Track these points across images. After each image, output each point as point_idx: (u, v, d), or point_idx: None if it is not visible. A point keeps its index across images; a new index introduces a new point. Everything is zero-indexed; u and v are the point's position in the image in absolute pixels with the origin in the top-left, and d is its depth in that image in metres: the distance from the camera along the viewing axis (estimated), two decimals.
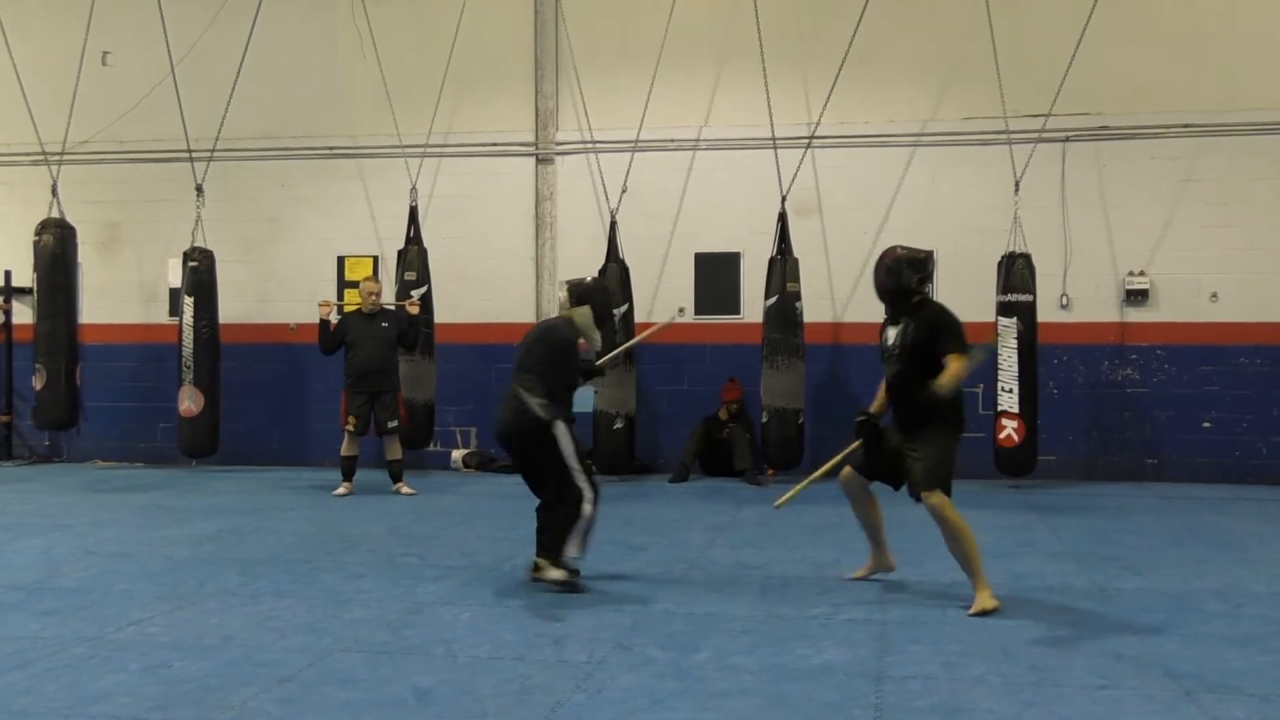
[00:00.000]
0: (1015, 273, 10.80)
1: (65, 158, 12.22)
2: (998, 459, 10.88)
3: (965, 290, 11.51)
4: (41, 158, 12.22)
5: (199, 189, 12.05)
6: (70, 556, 7.41)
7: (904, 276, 6.29)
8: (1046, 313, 11.11)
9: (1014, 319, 10.74)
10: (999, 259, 10.95)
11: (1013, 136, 11.25)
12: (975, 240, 11.45)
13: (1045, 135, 11.28)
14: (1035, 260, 10.88)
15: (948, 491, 6.10)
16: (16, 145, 12.56)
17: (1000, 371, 10.79)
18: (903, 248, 6.39)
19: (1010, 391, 10.74)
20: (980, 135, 11.58)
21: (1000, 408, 10.80)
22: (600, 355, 7.65)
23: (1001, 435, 10.78)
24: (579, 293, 7.03)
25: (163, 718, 4.37)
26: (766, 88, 11.41)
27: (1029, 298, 10.79)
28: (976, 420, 11.41)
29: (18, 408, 12.92)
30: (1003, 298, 10.85)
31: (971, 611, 5.94)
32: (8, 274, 12.89)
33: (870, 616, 5.92)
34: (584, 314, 6.97)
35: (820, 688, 4.74)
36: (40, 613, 5.95)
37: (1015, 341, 10.72)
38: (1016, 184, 11.14)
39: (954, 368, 5.97)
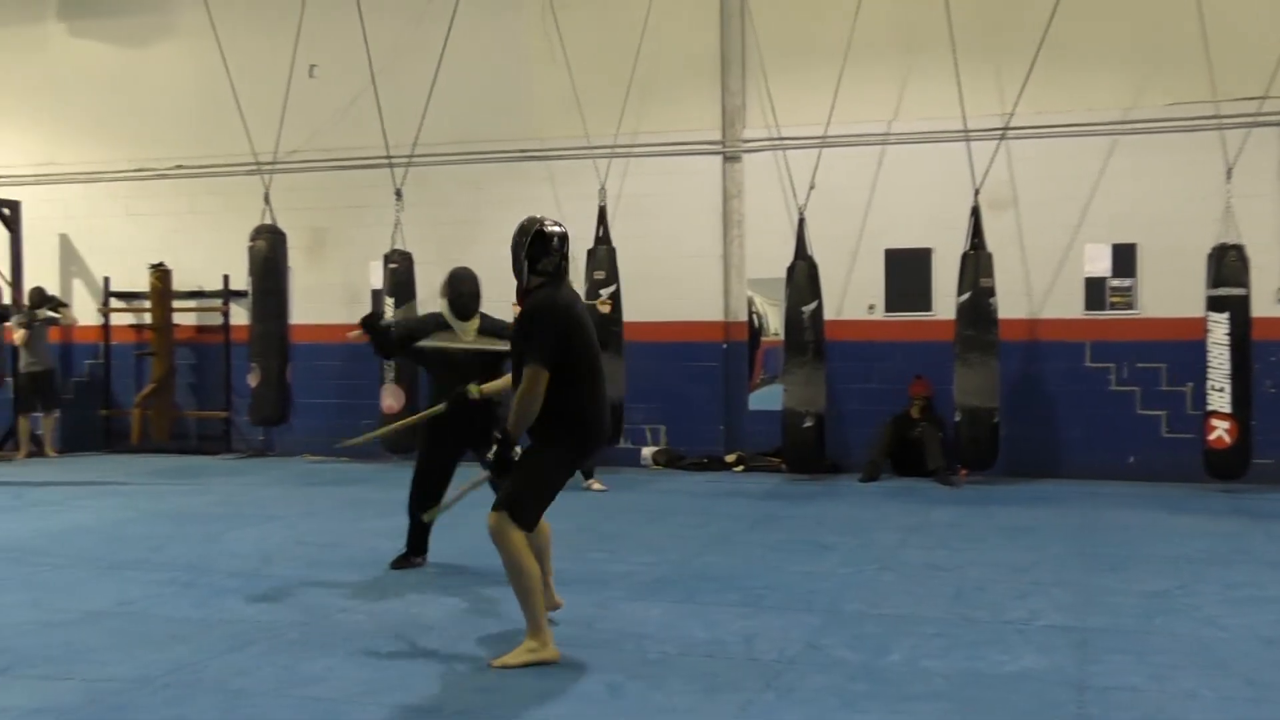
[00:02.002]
0: (1227, 265, 10.26)
1: (276, 167, 12.87)
2: (1207, 461, 10.35)
3: (1172, 285, 11.03)
4: (255, 168, 12.89)
5: (398, 193, 12.51)
6: (283, 546, 7.79)
7: (514, 254, 5.19)
8: (1262, 307, 10.50)
9: (1226, 314, 10.20)
10: (1209, 251, 10.42)
11: (1224, 121, 10.68)
12: (1182, 232, 10.92)
13: (1261, 119, 10.65)
14: (1249, 252, 10.29)
15: (524, 518, 5.04)
16: (233, 157, 13.27)
17: (1210, 370, 10.27)
18: (529, 219, 5.22)
19: (1221, 391, 10.20)
20: (1188, 121, 11.01)
21: (1210, 407, 10.27)
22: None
23: (1211, 436, 10.25)
24: (441, 285, 7.21)
25: (371, 702, 4.56)
26: (958, 78, 11.13)
27: (1242, 291, 10.22)
28: (1184, 420, 10.94)
29: (235, 404, 13.66)
30: (1213, 292, 10.31)
31: (497, 662, 5.03)
32: (226, 278, 13.64)
33: (1070, 623, 5.72)
34: (444, 306, 7.11)
35: (1017, 695, 4.61)
36: (255, 598, 6.29)
37: (1227, 338, 10.19)
38: (1228, 171, 10.57)
39: (506, 381, 5.01)
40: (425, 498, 6.92)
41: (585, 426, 5.18)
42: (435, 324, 7.08)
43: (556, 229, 5.19)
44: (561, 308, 5.11)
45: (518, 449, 5.10)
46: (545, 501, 5.22)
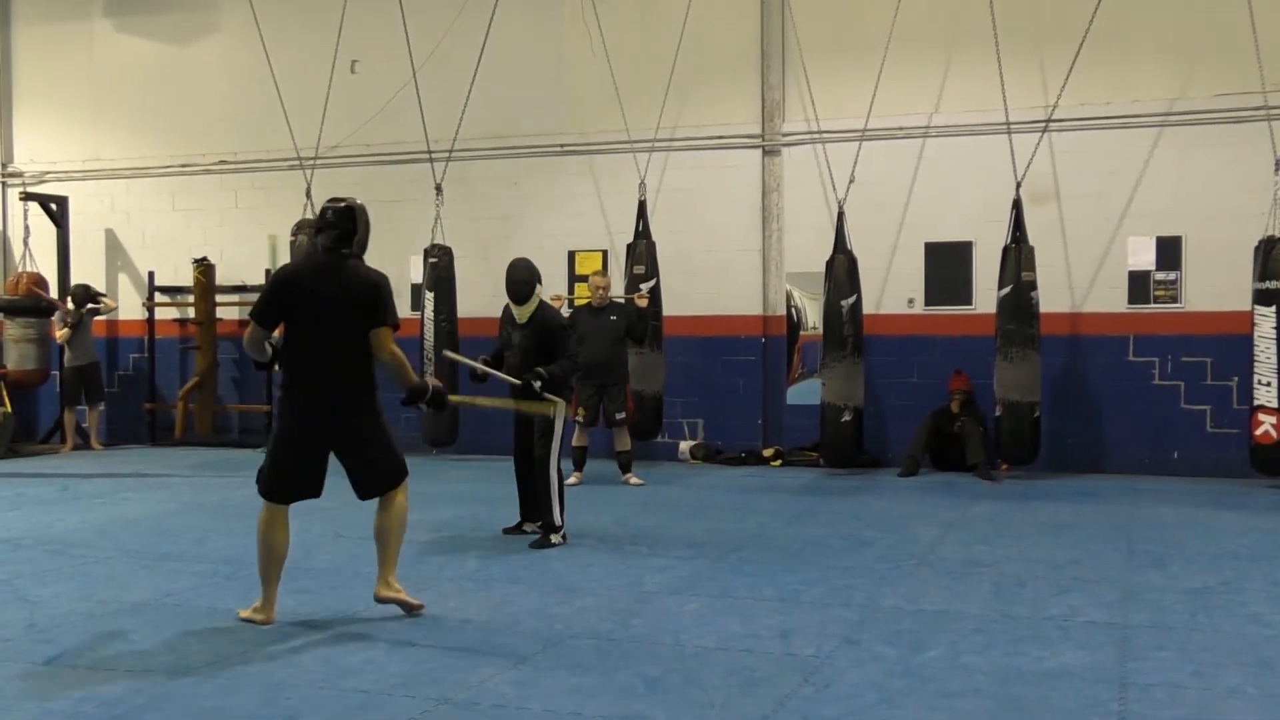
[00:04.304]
0: (1275, 258, 10.10)
1: (318, 162, 12.95)
2: (1254, 457, 10.21)
3: (1218, 278, 10.90)
4: (297, 163, 12.99)
5: (438, 188, 12.57)
6: (322, 539, 7.83)
7: None
8: None
9: (1273, 307, 10.06)
10: (1256, 244, 10.27)
11: (1272, 112, 10.51)
12: (1229, 225, 10.77)
13: None
14: None
15: (265, 490, 5.62)
16: (275, 152, 13.38)
17: (1257, 364, 10.13)
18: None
19: (1268, 385, 10.06)
20: (1235, 112, 10.85)
21: (1257, 402, 10.12)
22: None
23: (1258, 431, 10.11)
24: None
25: (407, 694, 4.59)
26: (1000, 70, 11.02)
27: None
28: (1230, 415, 10.79)
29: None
30: (1260, 285, 10.17)
31: (242, 614, 5.70)
32: (268, 272, 13.69)
33: (1112, 619, 5.67)
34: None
35: (1057, 692, 4.57)
36: (296, 591, 6.32)
37: (1275, 331, 10.04)
38: (1276, 163, 10.40)
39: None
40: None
41: (287, 391, 5.59)
42: (505, 312, 8.03)
43: (334, 204, 5.57)
44: (283, 272, 5.71)
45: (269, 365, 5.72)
46: (275, 474, 5.55)
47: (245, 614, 5.68)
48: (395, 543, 5.80)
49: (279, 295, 5.54)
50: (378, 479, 5.78)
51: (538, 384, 7.34)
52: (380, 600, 5.76)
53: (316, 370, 5.52)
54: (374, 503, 5.90)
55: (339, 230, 5.52)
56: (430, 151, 12.57)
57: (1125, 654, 5.09)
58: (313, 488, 5.70)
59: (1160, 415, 11.10)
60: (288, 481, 5.61)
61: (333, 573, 6.81)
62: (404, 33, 12.37)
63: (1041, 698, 4.50)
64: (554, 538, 7.58)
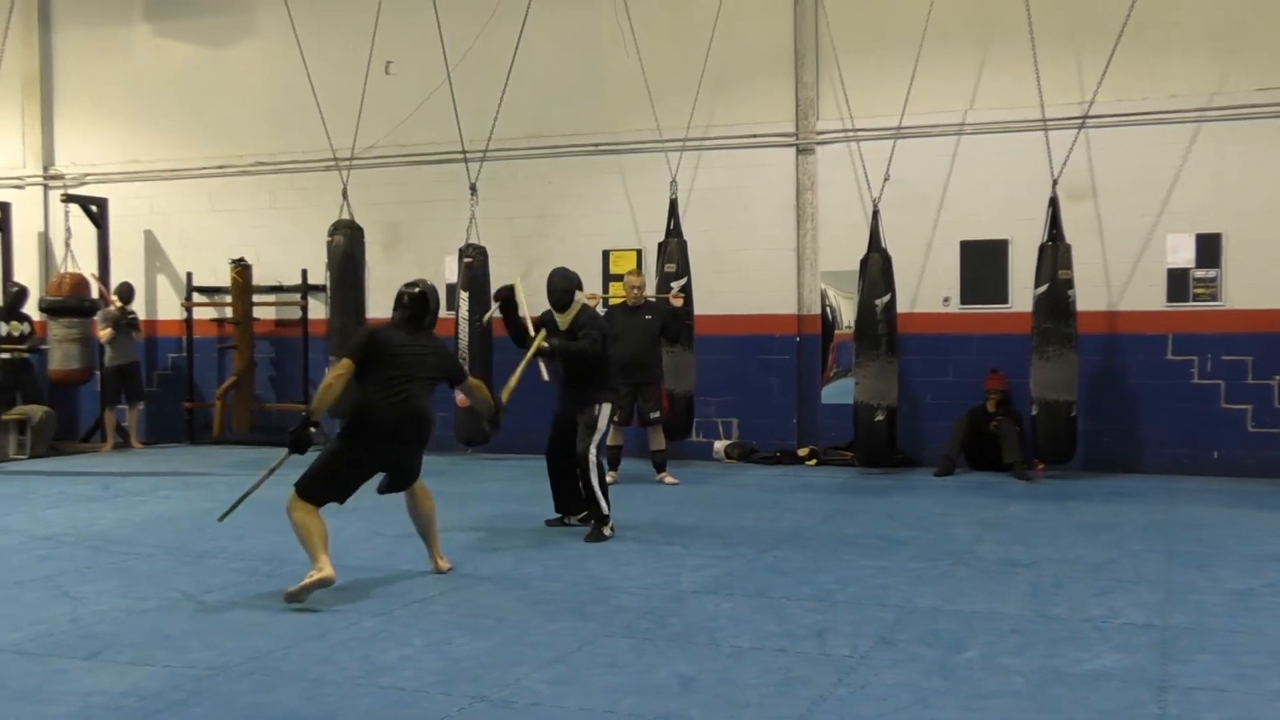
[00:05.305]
0: None
1: (354, 163, 13.03)
2: None
3: (1260, 275, 10.78)
4: (333, 164, 13.07)
5: (473, 188, 12.61)
6: (359, 537, 7.89)
7: None
8: None
9: None
10: None
11: None
12: (1270, 221, 10.65)
13: None
14: None
15: (304, 491, 6.25)
16: (312, 153, 13.47)
17: None
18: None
19: None
20: (1275, 107, 10.74)
21: None
22: None
23: None
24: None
25: (443, 692, 4.62)
26: (1036, 66, 10.94)
27: None
28: (1272, 415, 10.67)
29: (313, 397, 13.83)
30: None
31: (289, 593, 6.02)
32: (304, 273, 13.85)
33: (1151, 621, 5.61)
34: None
35: (1095, 694, 4.54)
36: (334, 589, 6.36)
37: None
38: None
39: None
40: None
41: (361, 422, 6.39)
42: (548, 318, 8.35)
43: (409, 290, 6.67)
44: (376, 330, 6.70)
45: (313, 429, 6.36)
46: (325, 483, 6.29)
47: (305, 583, 5.97)
48: (436, 524, 6.89)
49: (373, 344, 6.48)
50: (406, 482, 6.75)
51: (548, 345, 7.96)
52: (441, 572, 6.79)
53: (399, 407, 6.40)
54: (402, 501, 6.71)
55: (413, 310, 6.64)
56: (465, 151, 12.62)
57: (1166, 656, 5.04)
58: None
59: (1200, 415, 10.98)
60: (337, 493, 6.39)
61: (370, 571, 6.85)
62: (438, 34, 12.41)
63: (1080, 700, 4.47)
64: (605, 529, 7.73)
